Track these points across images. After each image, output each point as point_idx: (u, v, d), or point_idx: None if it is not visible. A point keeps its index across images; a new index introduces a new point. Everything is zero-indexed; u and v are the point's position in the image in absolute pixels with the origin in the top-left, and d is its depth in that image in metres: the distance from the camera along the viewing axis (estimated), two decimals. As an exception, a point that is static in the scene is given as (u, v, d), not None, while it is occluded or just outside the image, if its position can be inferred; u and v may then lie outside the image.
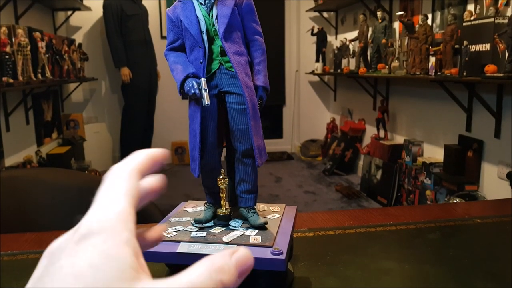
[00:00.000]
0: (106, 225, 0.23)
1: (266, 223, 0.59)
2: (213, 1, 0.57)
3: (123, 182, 0.25)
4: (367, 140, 4.22)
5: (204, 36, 0.58)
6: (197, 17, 0.58)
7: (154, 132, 5.01)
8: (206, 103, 0.56)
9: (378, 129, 3.84)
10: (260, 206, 0.68)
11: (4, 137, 3.19)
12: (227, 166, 0.65)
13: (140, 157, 0.28)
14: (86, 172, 4.15)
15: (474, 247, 0.73)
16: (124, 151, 4.74)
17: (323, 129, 5.25)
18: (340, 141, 4.58)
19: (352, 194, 3.73)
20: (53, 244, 0.25)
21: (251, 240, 0.55)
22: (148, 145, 4.95)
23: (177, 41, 0.61)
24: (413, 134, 3.48)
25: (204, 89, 0.56)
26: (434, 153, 3.16)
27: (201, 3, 0.58)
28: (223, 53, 0.59)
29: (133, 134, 4.64)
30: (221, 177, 0.62)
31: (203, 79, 0.57)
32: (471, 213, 0.88)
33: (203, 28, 0.58)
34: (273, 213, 0.65)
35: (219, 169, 0.62)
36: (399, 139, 3.65)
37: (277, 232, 0.58)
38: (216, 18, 0.58)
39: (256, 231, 0.58)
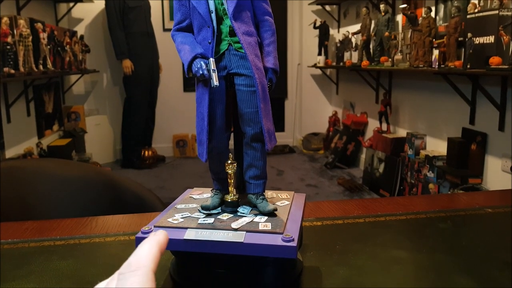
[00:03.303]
0: (142, 265, 0.32)
1: (275, 209, 0.58)
2: (222, -21, 0.55)
3: (151, 249, 0.34)
4: (369, 133, 4.20)
5: (213, 15, 0.56)
6: (205, -5, 0.56)
7: (156, 125, 4.99)
8: (215, 84, 0.54)
9: (380, 122, 3.82)
10: (269, 193, 0.66)
11: (4, 128, 3.17)
12: (234, 151, 0.63)
13: (161, 236, 0.36)
14: (87, 164, 4.14)
15: (487, 237, 0.72)
16: (125, 144, 4.73)
17: (325, 122, 5.23)
18: (342, 135, 4.56)
19: (354, 188, 3.72)
20: None
21: (261, 227, 0.54)
22: (149, 138, 4.93)
23: (184, 21, 0.59)
24: (416, 127, 3.45)
25: (212, 69, 0.54)
26: (437, 146, 3.14)
27: (209, -19, 0.56)
28: (232, 33, 0.57)
29: (135, 127, 4.63)
30: (229, 162, 0.60)
31: (211, 59, 0.55)
32: (481, 203, 0.87)
33: (212, 7, 0.56)
34: (282, 200, 0.63)
35: (227, 153, 0.61)
36: (402, 132, 3.63)
37: (287, 219, 0.56)
38: (225, -4, 0.56)
39: (266, 217, 0.57)
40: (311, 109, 5.42)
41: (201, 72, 0.55)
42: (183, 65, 0.57)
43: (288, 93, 5.57)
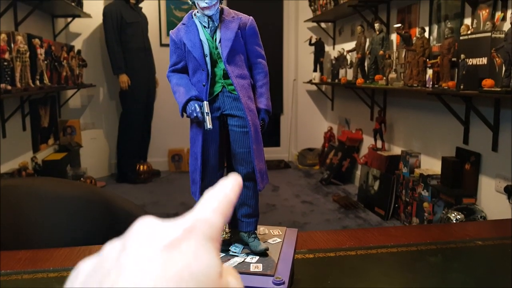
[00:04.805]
0: (195, 227, 0.25)
1: (267, 249, 0.59)
2: (216, 25, 0.57)
3: (215, 204, 0.28)
4: (364, 150, 4.22)
5: (207, 59, 0.58)
6: (200, 40, 0.57)
7: (151, 139, 5.00)
8: (209, 127, 0.55)
9: (375, 140, 3.85)
10: (261, 229, 0.67)
11: (0, 143, 3.17)
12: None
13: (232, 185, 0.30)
14: (82, 179, 4.12)
15: (477, 271, 0.72)
16: (120, 158, 4.72)
17: (320, 138, 5.25)
18: (337, 151, 4.58)
19: (349, 205, 3.72)
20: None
21: (252, 268, 0.54)
22: (144, 152, 4.93)
23: (180, 63, 0.60)
24: (410, 145, 3.48)
25: (206, 112, 0.56)
26: (431, 165, 3.16)
27: (204, 26, 0.57)
28: (226, 76, 0.58)
29: (130, 141, 4.63)
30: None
31: (205, 103, 0.56)
32: (472, 234, 0.88)
33: (207, 51, 0.57)
34: (274, 237, 0.64)
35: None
36: (397, 150, 3.65)
37: (278, 258, 0.57)
38: (220, 41, 0.57)
39: (257, 257, 0.57)
40: (307, 125, 5.45)
41: (195, 115, 0.56)
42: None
43: (283, 108, 5.60)
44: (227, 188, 0.29)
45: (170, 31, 0.60)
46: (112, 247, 0.25)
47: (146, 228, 0.25)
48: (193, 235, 0.25)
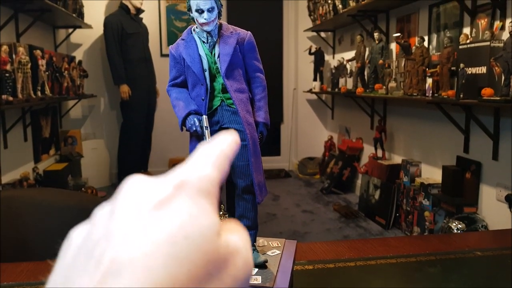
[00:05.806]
0: (188, 182, 0.23)
1: (266, 261, 0.59)
2: (215, 40, 0.58)
3: (210, 158, 0.25)
4: (365, 159, 4.22)
5: (206, 73, 0.59)
6: (199, 55, 0.58)
7: (152, 149, 5.00)
8: (208, 141, 0.56)
9: (376, 149, 3.85)
10: (260, 241, 0.67)
11: (1, 154, 3.17)
12: (226, 202, 0.64)
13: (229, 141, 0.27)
14: (83, 189, 4.12)
15: (476, 282, 0.72)
16: (121, 168, 4.73)
17: (320, 147, 5.25)
18: (338, 160, 4.58)
19: (350, 214, 3.71)
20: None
21: (251, 281, 0.55)
22: (145, 162, 4.94)
23: (179, 78, 0.61)
24: (411, 154, 3.48)
25: (205, 126, 0.57)
26: (432, 174, 3.16)
27: (203, 42, 0.58)
28: (224, 90, 0.59)
29: (131, 151, 4.64)
30: (221, 212, 0.61)
31: (204, 117, 0.57)
32: (471, 245, 0.88)
33: (205, 66, 0.58)
34: (273, 249, 0.65)
35: (219, 204, 0.62)
36: (397, 159, 3.65)
37: (277, 270, 0.57)
38: (218, 56, 0.58)
39: (256, 270, 0.58)
40: (307, 134, 5.45)
41: (194, 129, 0.57)
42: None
43: (284, 117, 5.61)
44: (223, 143, 0.26)
45: (170, 46, 0.61)
46: (101, 212, 0.24)
47: (134, 188, 0.24)
48: (185, 191, 0.23)
